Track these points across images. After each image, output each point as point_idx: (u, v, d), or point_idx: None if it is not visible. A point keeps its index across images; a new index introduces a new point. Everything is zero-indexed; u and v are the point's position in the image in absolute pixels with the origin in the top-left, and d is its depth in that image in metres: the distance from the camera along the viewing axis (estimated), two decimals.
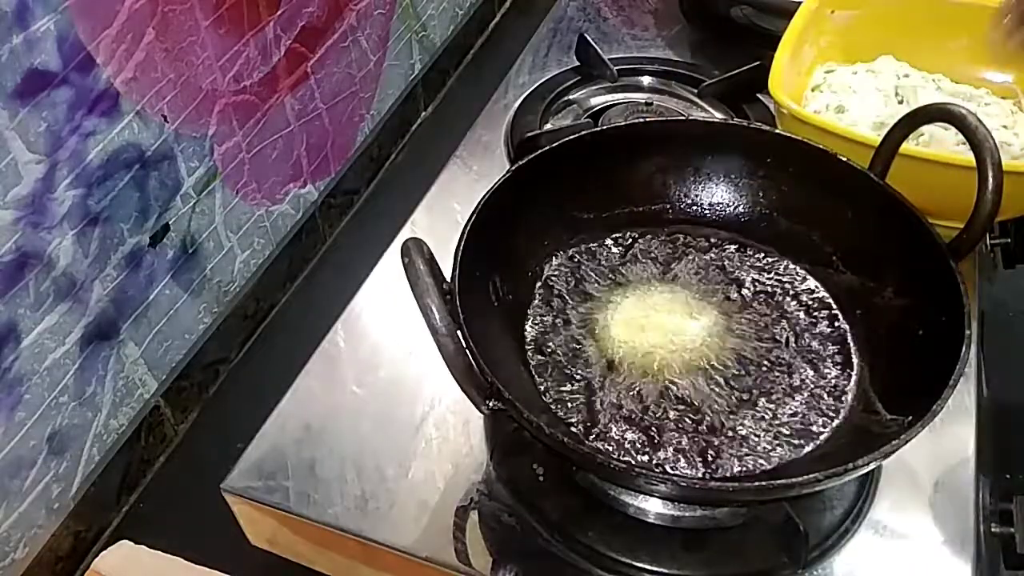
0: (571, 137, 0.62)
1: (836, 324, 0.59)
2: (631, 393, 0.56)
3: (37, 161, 0.55)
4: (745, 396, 0.55)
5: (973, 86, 0.77)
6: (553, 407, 0.55)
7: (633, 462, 0.52)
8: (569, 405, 0.55)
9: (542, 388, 0.56)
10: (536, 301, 0.61)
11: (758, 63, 0.83)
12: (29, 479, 0.61)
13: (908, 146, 0.60)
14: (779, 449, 0.53)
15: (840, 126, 0.68)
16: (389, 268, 0.72)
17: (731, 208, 0.65)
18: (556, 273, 0.63)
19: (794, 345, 0.58)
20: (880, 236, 0.59)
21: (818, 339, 0.58)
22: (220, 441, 0.65)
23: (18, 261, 0.56)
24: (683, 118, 0.82)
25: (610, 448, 0.53)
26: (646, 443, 0.53)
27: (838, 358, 0.57)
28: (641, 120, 0.80)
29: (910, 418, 0.47)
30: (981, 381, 0.64)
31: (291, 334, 0.81)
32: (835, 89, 0.78)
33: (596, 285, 0.62)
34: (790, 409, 0.55)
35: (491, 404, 0.49)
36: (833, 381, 0.56)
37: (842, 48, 0.80)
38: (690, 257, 0.64)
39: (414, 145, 1.01)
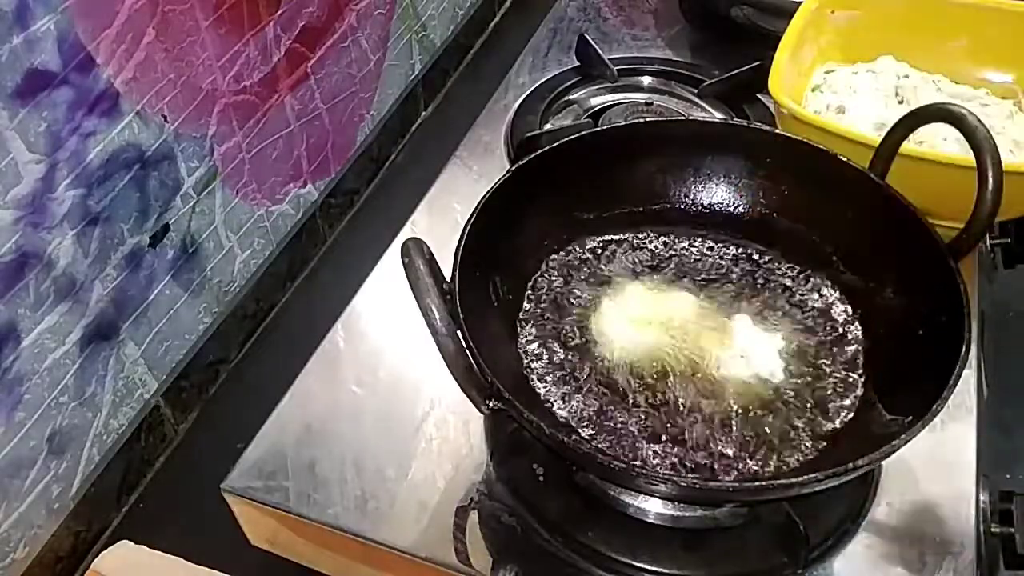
0: (571, 137, 0.62)
1: (836, 324, 0.59)
2: (631, 392, 0.56)
3: (37, 161, 0.55)
4: (745, 395, 0.55)
5: (973, 86, 0.77)
6: (553, 407, 0.55)
7: (633, 461, 0.52)
8: (569, 404, 0.55)
9: (542, 388, 0.56)
10: (536, 301, 0.61)
11: (758, 63, 0.83)
12: (29, 479, 0.61)
13: (908, 146, 0.60)
14: (779, 448, 0.53)
15: (840, 126, 0.68)
16: (389, 268, 0.72)
17: (731, 208, 0.65)
18: (556, 273, 0.63)
19: (794, 345, 0.58)
20: (880, 236, 0.59)
21: (818, 339, 0.58)
22: (220, 441, 0.65)
23: (18, 261, 0.56)
24: (683, 118, 0.82)
25: (610, 447, 0.53)
26: (646, 442, 0.53)
27: (838, 358, 0.57)
28: (641, 120, 0.80)
29: (910, 418, 0.47)
30: (981, 381, 0.64)
31: (291, 334, 0.81)
32: (835, 89, 0.78)
33: (596, 285, 0.62)
34: (790, 409, 0.55)
35: (491, 404, 0.49)
36: (833, 381, 0.56)
37: (842, 48, 0.81)
38: (690, 257, 0.64)
39: (414, 145, 1.01)
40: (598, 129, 0.67)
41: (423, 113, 1.04)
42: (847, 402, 0.55)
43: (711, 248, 0.64)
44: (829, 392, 0.55)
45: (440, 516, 0.56)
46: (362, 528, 0.56)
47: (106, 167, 0.61)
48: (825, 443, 0.53)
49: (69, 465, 0.64)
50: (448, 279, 0.51)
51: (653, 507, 0.55)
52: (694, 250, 0.64)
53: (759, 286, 0.62)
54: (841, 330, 0.59)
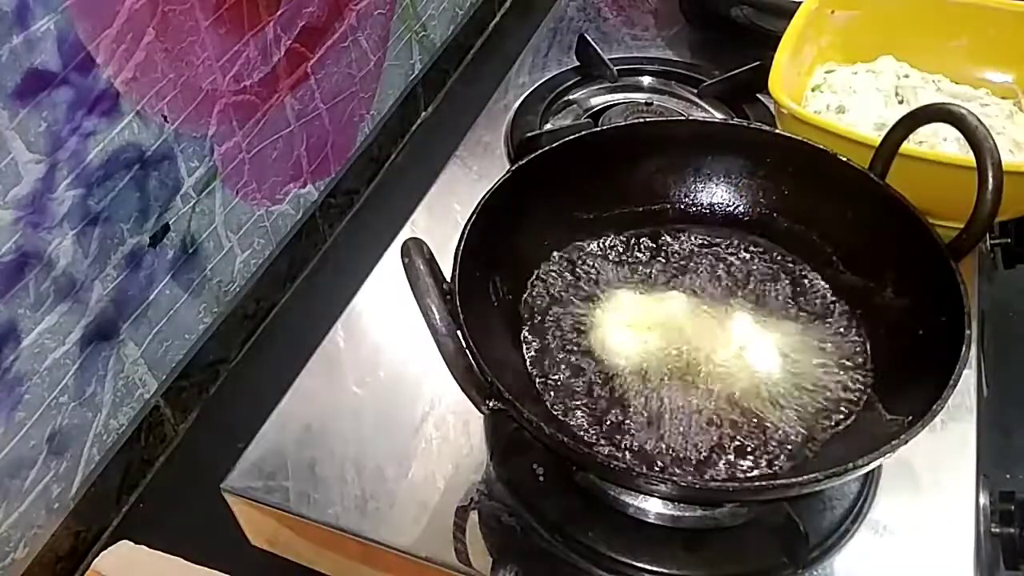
0: (571, 137, 0.62)
1: (836, 324, 0.59)
2: (631, 393, 0.56)
3: (37, 161, 0.55)
4: (745, 396, 0.55)
5: (973, 86, 0.77)
6: (553, 407, 0.55)
7: (633, 462, 0.52)
8: (569, 405, 0.55)
9: (542, 388, 0.56)
10: (536, 301, 0.61)
11: (758, 63, 0.83)
12: (29, 479, 0.61)
13: (908, 146, 0.60)
14: (779, 449, 0.53)
15: (840, 126, 0.68)
16: (389, 268, 0.72)
17: (731, 208, 0.65)
18: (556, 273, 0.63)
19: (793, 344, 0.58)
20: (880, 236, 0.59)
21: (818, 339, 0.58)
22: (220, 441, 0.65)
23: (18, 261, 0.56)
24: (683, 118, 0.82)
25: (610, 448, 0.53)
26: (646, 442, 0.53)
27: (838, 358, 0.57)
28: (641, 120, 0.80)
29: (910, 418, 0.47)
30: (981, 381, 0.64)
31: (291, 334, 0.81)
32: (835, 89, 0.78)
33: (596, 285, 0.62)
34: (790, 409, 0.55)
35: (491, 404, 0.49)
36: (833, 380, 0.56)
37: (842, 48, 0.80)
38: (690, 257, 0.64)
39: (414, 145, 1.01)
40: (598, 129, 0.67)
41: (423, 113, 1.04)
42: (847, 402, 0.55)
43: (711, 248, 0.64)
44: (829, 392, 0.55)
45: (440, 516, 0.56)
46: (362, 528, 0.56)
47: (106, 167, 0.61)
48: (825, 443, 0.53)
49: (69, 465, 0.64)
50: (448, 279, 0.51)
51: (653, 507, 0.55)
52: (694, 250, 0.64)
53: (759, 286, 0.62)
54: (841, 330, 0.59)
